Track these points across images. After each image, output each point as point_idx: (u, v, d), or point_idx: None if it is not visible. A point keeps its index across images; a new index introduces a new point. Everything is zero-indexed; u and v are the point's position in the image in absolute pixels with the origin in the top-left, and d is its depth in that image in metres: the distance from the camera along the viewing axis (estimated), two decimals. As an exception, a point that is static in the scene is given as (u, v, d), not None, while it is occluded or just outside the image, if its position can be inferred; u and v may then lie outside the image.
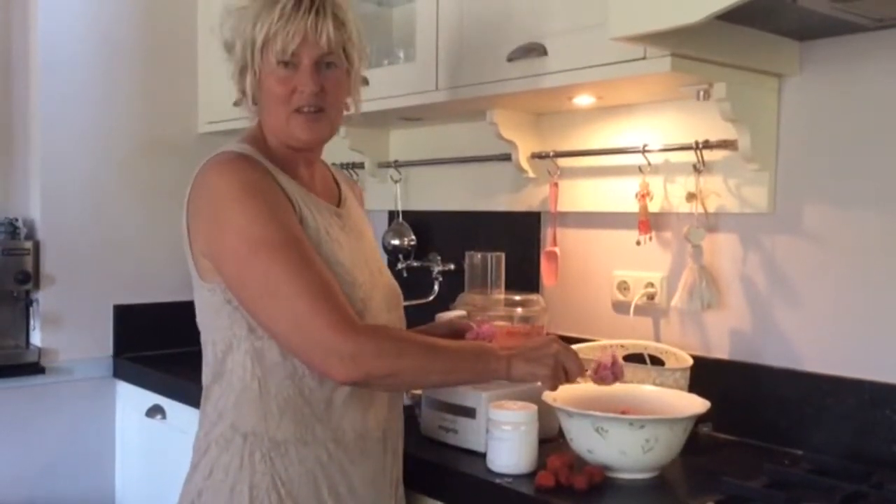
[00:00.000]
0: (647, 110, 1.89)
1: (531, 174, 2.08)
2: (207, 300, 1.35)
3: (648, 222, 1.84)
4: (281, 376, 1.32)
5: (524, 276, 2.10)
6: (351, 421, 1.36)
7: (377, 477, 1.40)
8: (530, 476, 1.43)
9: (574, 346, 1.80)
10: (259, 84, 1.39)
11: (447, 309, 1.71)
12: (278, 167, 1.37)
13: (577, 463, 1.43)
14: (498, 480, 1.42)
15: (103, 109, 2.58)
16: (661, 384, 1.63)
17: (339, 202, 1.49)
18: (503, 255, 1.90)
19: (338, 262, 1.35)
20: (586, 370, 1.40)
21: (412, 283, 2.37)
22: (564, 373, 1.37)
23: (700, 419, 1.49)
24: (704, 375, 1.68)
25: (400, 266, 2.40)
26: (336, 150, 2.56)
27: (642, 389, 1.61)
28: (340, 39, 1.37)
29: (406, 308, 2.21)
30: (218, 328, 1.35)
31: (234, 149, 1.36)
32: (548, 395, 1.51)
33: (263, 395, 1.32)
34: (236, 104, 1.47)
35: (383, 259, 1.60)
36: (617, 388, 1.62)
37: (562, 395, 1.53)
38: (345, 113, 1.46)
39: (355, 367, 1.24)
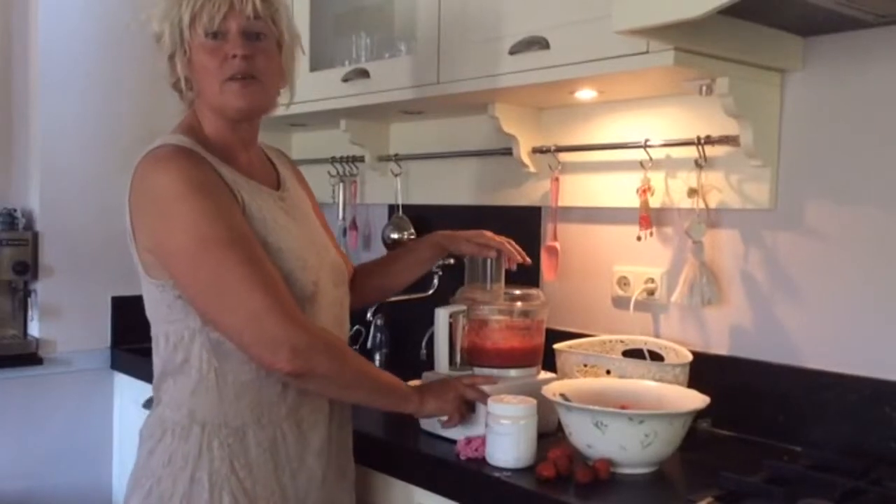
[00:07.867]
0: (649, 105, 1.88)
1: (532, 169, 2.08)
2: (157, 296, 1.38)
3: (649, 218, 1.83)
4: (238, 362, 1.36)
5: (524, 271, 2.09)
6: (306, 397, 1.41)
7: (324, 447, 1.45)
8: (529, 470, 1.42)
9: (573, 342, 1.83)
10: (190, 64, 1.40)
11: (447, 303, 1.70)
12: (217, 157, 1.38)
13: (577, 456, 1.43)
14: (497, 474, 1.42)
15: (103, 101, 2.58)
16: (661, 379, 1.63)
17: (278, 185, 1.51)
18: (503, 250, 1.89)
19: (288, 248, 1.39)
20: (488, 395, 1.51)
21: (412, 277, 2.37)
22: (469, 405, 1.53)
23: (699, 414, 1.49)
24: (704, 371, 1.68)
25: (399, 260, 2.39)
26: (336, 144, 2.56)
27: (642, 384, 1.60)
28: (268, 10, 1.40)
29: (405, 303, 2.23)
30: (171, 321, 1.38)
31: (172, 142, 1.36)
32: (547, 390, 1.51)
33: (220, 383, 1.36)
34: (175, 88, 1.47)
35: (337, 233, 1.68)
36: (616, 382, 1.63)
37: (562, 389, 1.53)
38: (281, 91, 1.48)
39: (304, 360, 1.30)
